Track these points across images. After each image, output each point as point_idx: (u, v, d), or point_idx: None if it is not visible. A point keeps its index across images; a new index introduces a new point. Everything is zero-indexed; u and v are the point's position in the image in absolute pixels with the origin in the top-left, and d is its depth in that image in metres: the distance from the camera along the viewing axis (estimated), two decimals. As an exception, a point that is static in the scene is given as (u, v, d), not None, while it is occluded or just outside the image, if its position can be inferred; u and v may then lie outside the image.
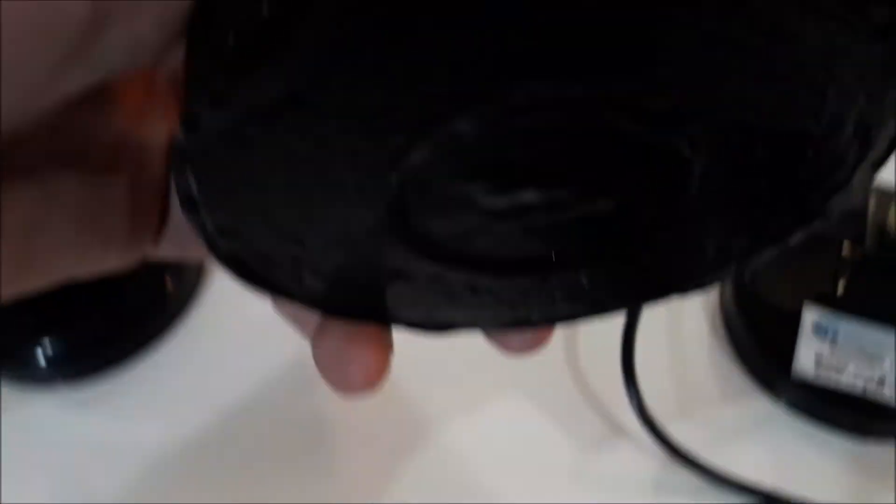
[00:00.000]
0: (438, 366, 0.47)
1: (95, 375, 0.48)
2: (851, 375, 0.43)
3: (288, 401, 0.47)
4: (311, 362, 0.24)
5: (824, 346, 0.44)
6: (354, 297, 0.23)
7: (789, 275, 0.47)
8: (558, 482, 0.44)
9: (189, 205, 0.18)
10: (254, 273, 0.20)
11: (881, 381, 0.43)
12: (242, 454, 0.45)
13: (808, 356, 0.44)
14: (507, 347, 0.25)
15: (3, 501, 0.43)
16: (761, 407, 0.46)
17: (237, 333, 0.50)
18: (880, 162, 0.19)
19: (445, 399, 0.47)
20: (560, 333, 0.49)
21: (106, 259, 0.22)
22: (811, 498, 0.42)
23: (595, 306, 0.24)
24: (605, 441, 0.46)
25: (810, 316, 0.45)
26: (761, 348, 0.46)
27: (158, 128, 0.22)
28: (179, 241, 0.23)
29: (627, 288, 0.24)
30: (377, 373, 0.23)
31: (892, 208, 0.42)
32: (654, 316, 0.49)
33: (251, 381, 0.48)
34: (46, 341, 0.47)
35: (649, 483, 0.44)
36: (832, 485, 0.44)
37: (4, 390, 0.48)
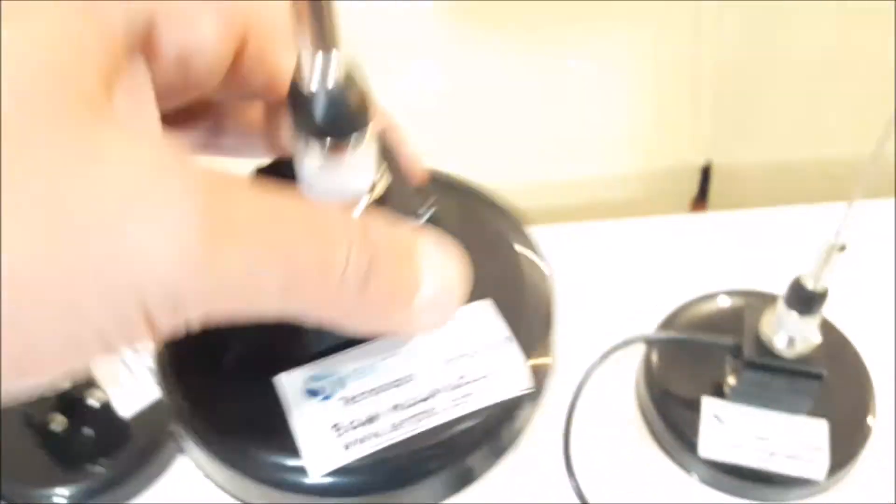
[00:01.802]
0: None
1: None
2: (747, 452, 0.54)
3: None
4: None
5: (723, 431, 0.55)
6: None
7: (689, 372, 0.58)
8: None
9: None
10: None
11: (772, 455, 0.54)
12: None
13: (710, 440, 0.54)
14: None
15: None
16: (679, 484, 0.56)
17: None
18: None
19: None
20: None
21: None
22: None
23: None
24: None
25: (708, 407, 0.56)
26: (672, 434, 0.56)
27: None
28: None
29: None
30: None
31: (764, 316, 0.53)
32: (584, 414, 0.59)
33: None
34: (62, 489, 0.54)
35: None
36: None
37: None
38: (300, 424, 0.26)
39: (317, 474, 0.25)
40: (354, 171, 0.24)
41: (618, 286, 0.67)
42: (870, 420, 0.56)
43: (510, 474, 0.54)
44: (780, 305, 0.51)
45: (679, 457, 0.57)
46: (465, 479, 0.28)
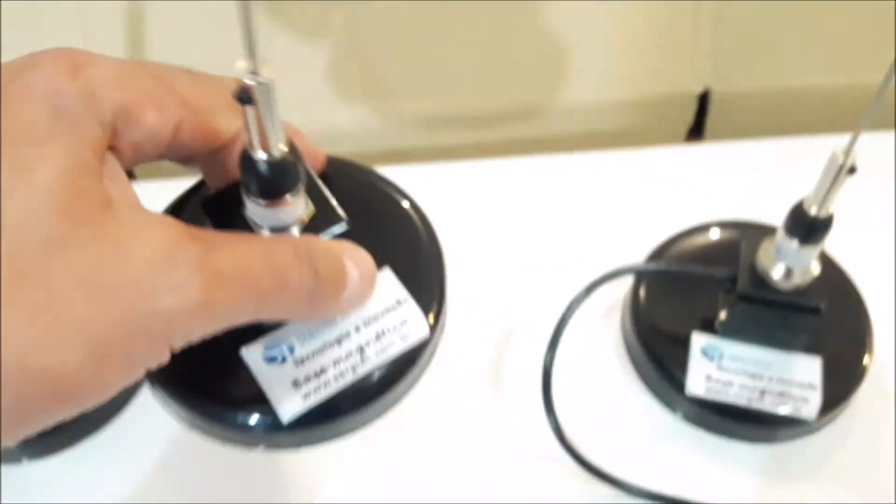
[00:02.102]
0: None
1: (56, 452, 0.52)
2: (736, 391, 0.51)
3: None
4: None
5: (712, 367, 0.52)
6: None
7: (679, 307, 0.55)
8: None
9: None
10: None
11: (762, 393, 0.51)
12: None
13: (699, 377, 0.51)
14: None
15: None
16: (663, 423, 0.54)
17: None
18: None
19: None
20: (485, 371, 0.55)
21: None
22: (710, 499, 0.50)
23: None
24: (526, 465, 0.52)
25: (698, 342, 0.53)
26: (658, 371, 0.53)
27: None
28: None
29: None
30: None
31: (761, 247, 0.50)
32: (567, 349, 0.56)
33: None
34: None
35: (565, 496, 0.51)
36: (730, 486, 0.51)
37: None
38: (267, 385, 0.35)
39: (286, 419, 0.35)
40: (289, 211, 0.33)
41: (608, 218, 0.64)
42: (866, 359, 0.53)
43: (489, 409, 0.52)
44: (780, 234, 0.48)
45: (664, 395, 0.54)
46: (390, 404, 0.38)
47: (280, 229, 0.34)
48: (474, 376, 0.55)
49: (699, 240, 0.58)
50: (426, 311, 0.38)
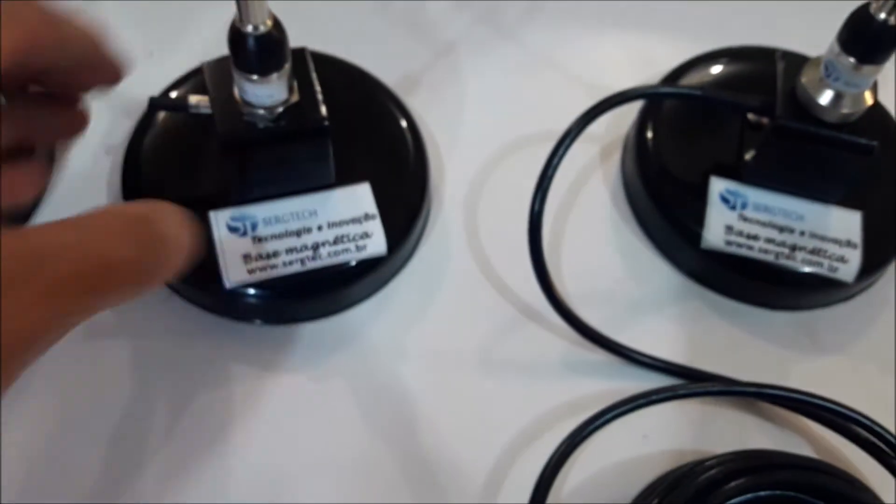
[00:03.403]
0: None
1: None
2: (762, 245, 0.42)
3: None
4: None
5: (733, 217, 0.43)
6: None
7: (694, 145, 0.46)
8: (467, 368, 0.42)
9: None
10: None
11: (793, 249, 0.42)
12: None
13: (718, 227, 0.43)
14: None
15: None
16: (669, 282, 0.45)
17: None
18: None
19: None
20: (458, 219, 0.46)
21: None
22: (723, 370, 0.42)
23: None
24: (514, 325, 0.43)
25: (717, 187, 0.44)
26: (668, 222, 0.44)
27: None
28: None
29: None
30: None
31: (806, 71, 0.40)
32: (556, 192, 0.47)
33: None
34: None
35: (559, 364, 0.43)
36: (743, 355, 0.43)
37: None
38: (221, 250, 0.40)
39: (229, 285, 0.40)
40: (275, 89, 0.37)
41: (610, 41, 0.53)
42: (911, 218, 0.45)
43: (475, 269, 0.42)
44: (831, 49, 0.38)
45: (672, 250, 0.45)
46: (334, 307, 0.43)
47: (268, 108, 0.37)
48: (458, 225, 0.46)
49: (722, 67, 0.48)
50: (393, 232, 0.41)
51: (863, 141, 0.40)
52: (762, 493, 0.34)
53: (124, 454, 0.39)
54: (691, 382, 0.41)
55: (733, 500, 0.34)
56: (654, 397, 0.37)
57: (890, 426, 0.39)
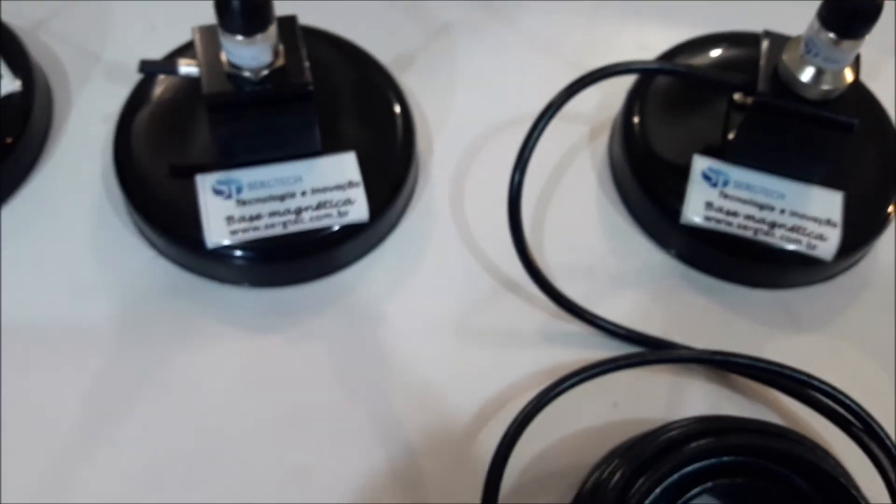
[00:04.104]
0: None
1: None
2: (742, 221, 0.43)
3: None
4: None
5: (714, 194, 0.43)
6: None
7: (681, 126, 0.46)
8: (445, 335, 0.43)
9: None
10: None
11: (772, 226, 0.43)
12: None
13: (698, 203, 0.43)
14: None
15: None
16: (650, 259, 0.46)
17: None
18: None
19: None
20: (444, 193, 0.47)
21: None
22: (699, 346, 0.42)
23: None
24: (494, 295, 0.44)
25: (699, 165, 0.44)
26: (650, 200, 0.45)
27: None
28: None
29: None
30: None
31: (788, 48, 0.41)
32: (543, 170, 0.47)
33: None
34: None
35: (537, 334, 0.43)
36: (721, 332, 0.43)
37: None
38: (205, 211, 0.41)
39: (210, 245, 0.41)
40: (259, 51, 0.37)
41: (611, 25, 0.54)
42: (893, 202, 0.45)
43: (458, 240, 0.43)
44: (812, 25, 0.39)
45: (655, 228, 0.46)
46: (316, 272, 0.44)
47: (253, 70, 0.38)
48: (444, 198, 0.47)
49: (712, 51, 0.48)
50: (376, 200, 0.42)
51: (843, 118, 0.40)
52: (725, 459, 0.34)
53: (104, 407, 0.40)
54: (657, 350, 0.41)
55: (696, 464, 0.34)
56: (621, 363, 0.37)
57: (866, 404, 0.39)
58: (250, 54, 0.38)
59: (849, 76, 0.40)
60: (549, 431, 0.40)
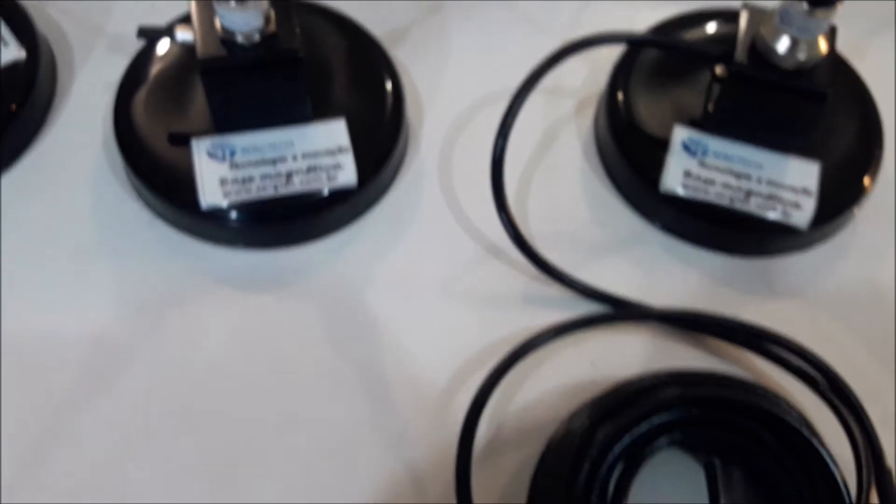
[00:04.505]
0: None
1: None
2: (719, 190, 0.44)
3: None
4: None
5: (692, 163, 0.45)
6: None
7: (664, 99, 0.47)
8: (430, 296, 0.44)
9: None
10: None
11: (748, 195, 0.44)
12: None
13: (677, 172, 0.44)
14: None
15: None
16: (632, 227, 0.47)
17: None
18: None
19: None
20: (433, 162, 0.48)
21: None
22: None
23: None
24: (479, 260, 0.45)
25: (680, 135, 0.45)
26: (632, 170, 0.46)
27: None
28: None
29: None
30: None
31: (765, 20, 0.42)
32: (529, 143, 0.49)
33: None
34: None
35: (519, 297, 0.44)
36: (699, 298, 0.44)
37: None
38: (200, 174, 0.43)
39: (205, 205, 0.42)
40: (250, 16, 0.39)
41: (602, 4, 0.55)
42: (871, 173, 0.46)
43: (443, 205, 0.44)
44: (786, -5, 0.40)
45: (638, 198, 0.47)
46: (308, 235, 0.45)
47: (245, 35, 0.40)
48: (433, 167, 0.48)
49: (697, 26, 0.50)
50: (365, 166, 0.44)
51: (815, 87, 0.41)
52: (690, 411, 0.35)
53: (103, 361, 0.42)
54: (624, 309, 0.43)
55: (661, 417, 0.35)
56: (594, 320, 0.39)
57: (840, 368, 0.40)
58: (242, 19, 0.39)
59: (823, 46, 0.41)
60: (528, 388, 0.42)
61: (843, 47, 0.49)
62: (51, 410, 0.41)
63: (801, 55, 0.41)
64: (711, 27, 0.49)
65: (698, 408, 0.36)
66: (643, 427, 0.35)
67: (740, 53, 0.42)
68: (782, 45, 0.41)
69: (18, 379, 0.41)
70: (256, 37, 0.40)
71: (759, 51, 0.42)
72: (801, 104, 0.42)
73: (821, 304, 0.45)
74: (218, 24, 0.40)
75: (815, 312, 0.45)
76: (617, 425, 0.34)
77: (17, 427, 0.40)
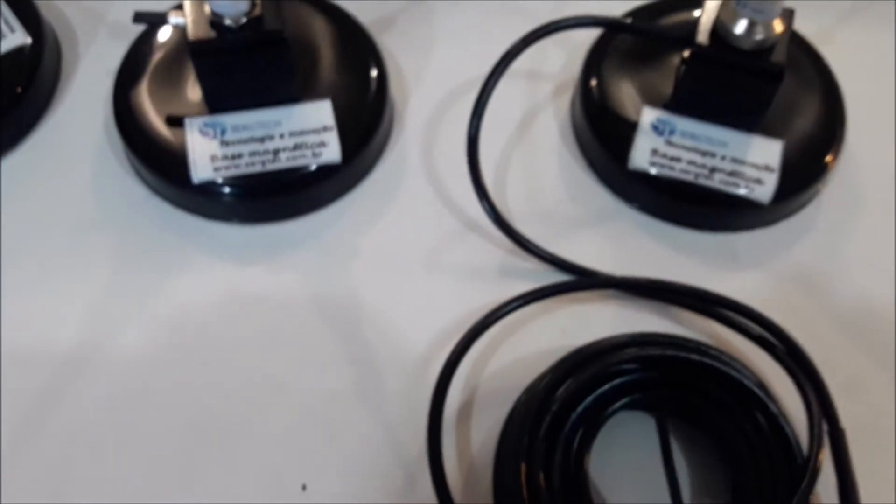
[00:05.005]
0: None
1: None
2: (684, 167, 0.46)
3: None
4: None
5: (659, 142, 0.47)
6: None
7: (636, 82, 0.49)
8: (411, 268, 0.46)
9: None
10: None
11: (712, 171, 0.46)
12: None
13: (644, 150, 0.47)
14: None
15: None
16: (605, 204, 0.49)
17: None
18: None
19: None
20: (417, 142, 0.51)
21: None
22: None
23: None
24: (458, 235, 0.48)
25: (648, 116, 0.47)
26: (604, 149, 0.48)
27: None
28: None
29: None
30: None
31: (725, 3, 0.44)
32: (509, 125, 0.51)
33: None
34: None
35: (495, 270, 0.47)
36: (668, 270, 0.46)
37: None
38: (191, 150, 0.46)
39: (196, 180, 0.45)
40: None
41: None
42: (833, 151, 0.48)
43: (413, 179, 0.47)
44: (743, -21, 0.42)
45: (608, 176, 0.49)
46: (295, 210, 0.48)
47: (232, 18, 0.42)
48: (416, 148, 0.51)
49: (672, 13, 0.52)
50: (349, 144, 0.46)
51: (770, 65, 0.43)
52: (648, 373, 0.38)
53: (99, 329, 0.45)
54: (589, 278, 0.45)
55: (621, 378, 0.37)
56: (561, 289, 0.41)
57: (804, 340, 0.42)
58: (230, 3, 0.42)
59: (779, 27, 0.43)
60: (501, 354, 0.44)
61: (811, 34, 0.51)
62: (47, 372, 0.43)
63: (759, 35, 0.43)
64: (685, 14, 0.51)
65: (656, 369, 0.38)
66: (604, 387, 0.37)
67: (702, 35, 0.44)
68: (740, 26, 0.43)
69: (17, 341, 0.44)
70: (243, 19, 0.42)
71: (720, 33, 0.44)
72: (759, 83, 0.44)
73: (785, 276, 0.47)
74: (207, 9, 0.43)
75: (779, 284, 0.47)
76: (578, 381, 0.36)
77: (14, 389, 0.43)
